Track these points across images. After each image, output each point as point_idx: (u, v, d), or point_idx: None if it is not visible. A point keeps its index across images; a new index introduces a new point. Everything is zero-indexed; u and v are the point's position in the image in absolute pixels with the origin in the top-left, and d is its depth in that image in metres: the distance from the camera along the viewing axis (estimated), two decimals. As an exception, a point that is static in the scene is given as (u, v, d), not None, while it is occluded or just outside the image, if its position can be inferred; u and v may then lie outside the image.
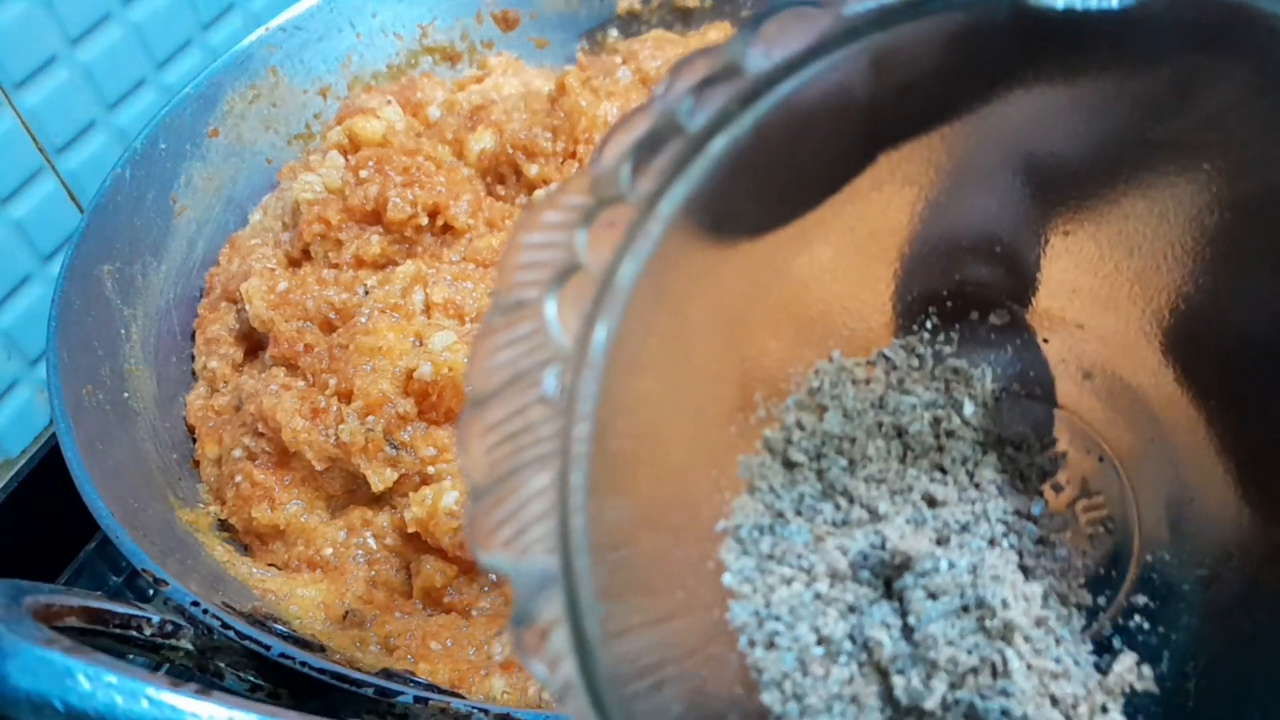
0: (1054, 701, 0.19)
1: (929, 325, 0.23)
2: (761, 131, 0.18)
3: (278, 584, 0.40)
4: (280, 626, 0.37)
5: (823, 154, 0.19)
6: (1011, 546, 0.21)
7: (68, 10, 0.52)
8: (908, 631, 0.19)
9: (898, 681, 0.19)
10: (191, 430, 0.48)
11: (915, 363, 0.23)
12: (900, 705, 0.19)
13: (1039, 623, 0.20)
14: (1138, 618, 0.21)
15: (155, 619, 0.35)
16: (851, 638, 0.20)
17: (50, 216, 0.53)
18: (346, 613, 0.40)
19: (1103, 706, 0.20)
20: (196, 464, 0.47)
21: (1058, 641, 0.20)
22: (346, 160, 0.53)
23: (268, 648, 0.34)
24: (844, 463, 0.21)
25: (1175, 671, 0.20)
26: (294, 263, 0.51)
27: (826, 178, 0.20)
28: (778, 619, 0.20)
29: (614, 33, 0.65)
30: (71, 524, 0.43)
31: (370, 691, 0.32)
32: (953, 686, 0.19)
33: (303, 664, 0.33)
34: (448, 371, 0.41)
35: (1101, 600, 0.21)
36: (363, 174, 0.50)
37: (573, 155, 0.51)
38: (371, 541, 0.42)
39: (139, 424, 0.45)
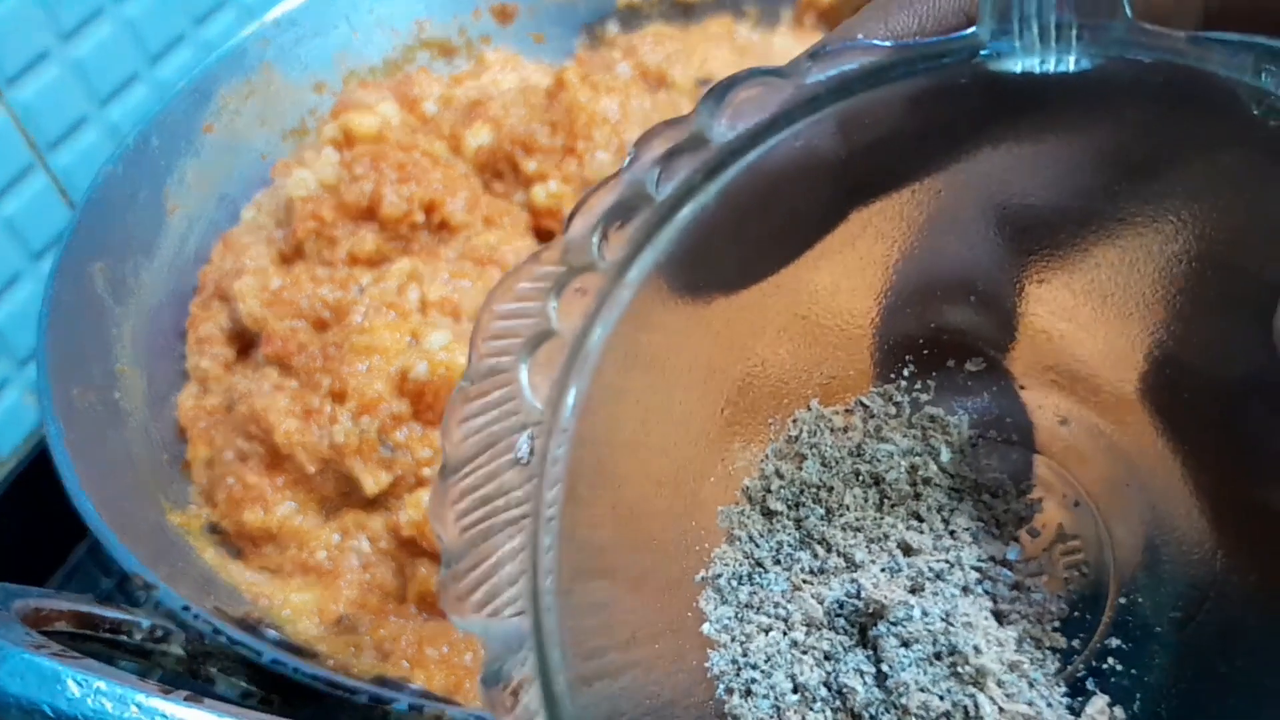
0: None
1: (906, 373, 0.23)
2: (728, 199, 0.19)
3: (270, 588, 0.40)
4: (272, 632, 0.37)
5: (793, 215, 0.20)
6: (986, 592, 0.21)
7: (59, 5, 0.51)
8: (881, 678, 0.20)
9: None
10: (183, 431, 0.47)
11: (893, 410, 0.23)
12: None
13: (1012, 667, 0.20)
14: (1111, 660, 0.21)
15: (145, 624, 0.35)
16: (826, 685, 0.20)
17: (41, 214, 0.53)
18: (340, 618, 0.40)
19: None
20: (188, 466, 0.46)
21: (1031, 685, 0.20)
22: (341, 156, 0.53)
23: (259, 653, 0.33)
24: (821, 511, 0.22)
25: (1148, 712, 0.21)
26: (287, 260, 0.51)
27: (798, 237, 0.21)
28: (755, 667, 0.20)
29: (613, 27, 0.65)
30: (61, 526, 0.42)
31: (364, 698, 0.32)
32: None
33: (295, 670, 0.33)
34: (444, 371, 0.41)
35: (1076, 643, 0.22)
36: (358, 170, 0.49)
37: (571, 151, 0.51)
38: (365, 545, 0.42)
39: (130, 425, 0.45)
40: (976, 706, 0.19)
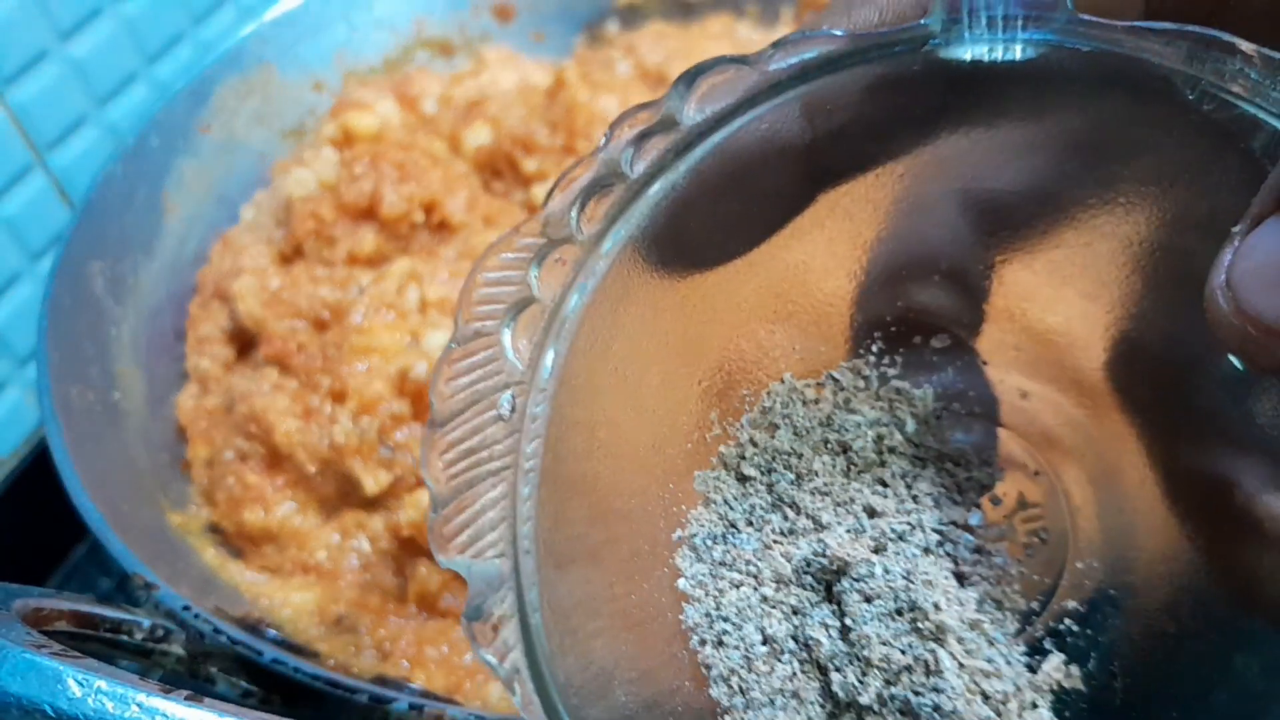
0: (985, 698, 0.20)
1: (875, 349, 0.24)
2: (698, 177, 0.20)
3: (270, 588, 0.40)
4: (272, 631, 0.37)
5: (762, 196, 0.22)
6: (948, 554, 0.23)
7: (58, 5, 0.51)
8: (845, 632, 0.21)
9: (835, 678, 0.20)
10: (182, 431, 0.47)
11: (861, 384, 0.24)
12: (838, 700, 0.20)
13: (972, 625, 0.21)
14: (1069, 621, 0.23)
15: (146, 623, 0.35)
16: (794, 638, 0.21)
17: (40, 214, 0.52)
18: (340, 618, 0.40)
19: (1032, 703, 0.21)
20: (188, 465, 0.46)
21: (990, 643, 0.21)
22: (340, 156, 0.53)
23: (260, 653, 0.33)
24: (792, 476, 0.23)
25: (1102, 670, 0.22)
26: (287, 260, 0.51)
27: (767, 218, 0.22)
28: (726, 620, 0.21)
29: (613, 25, 0.64)
30: (61, 526, 0.42)
31: (364, 698, 0.32)
32: (887, 683, 0.20)
33: (295, 670, 0.33)
34: (443, 371, 0.41)
35: (1035, 605, 0.23)
36: (357, 169, 0.49)
37: (571, 150, 0.51)
38: (365, 545, 0.42)
39: (129, 425, 0.45)
40: (937, 660, 0.20)
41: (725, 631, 0.21)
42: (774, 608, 0.22)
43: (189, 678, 0.35)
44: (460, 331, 0.20)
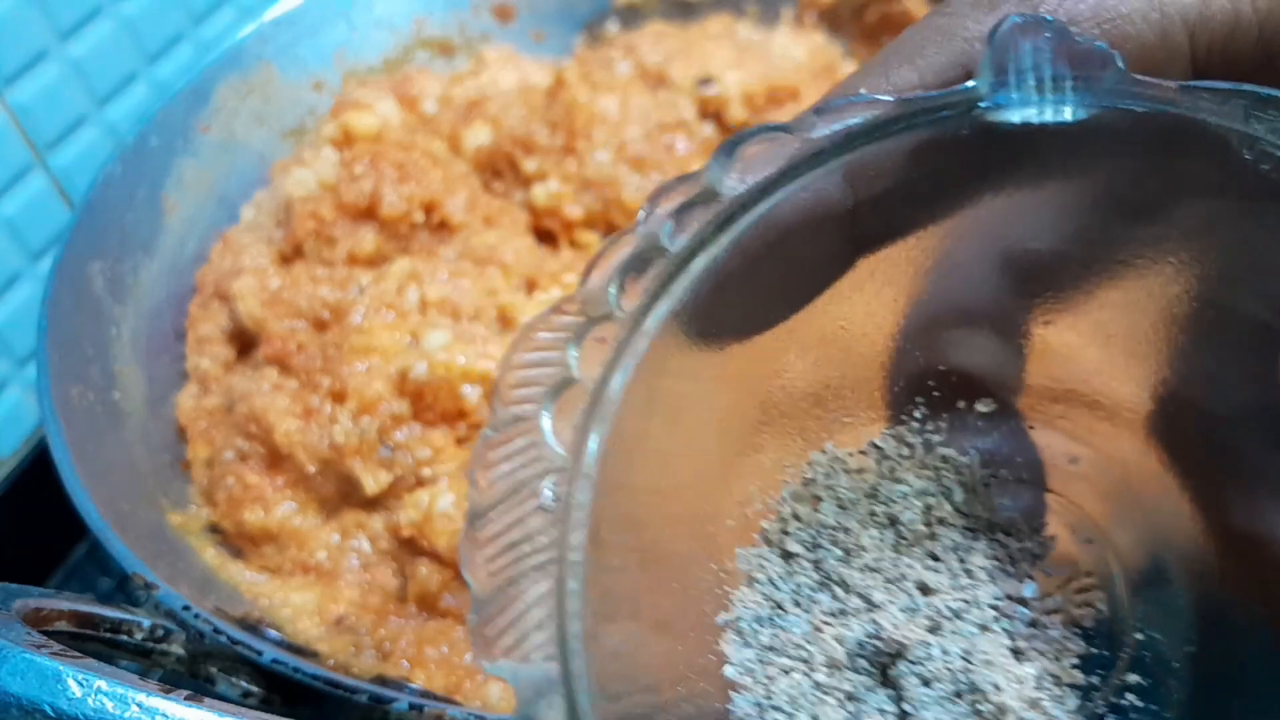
0: None
1: (917, 414, 0.24)
2: (740, 249, 0.20)
3: (270, 588, 0.40)
4: (273, 632, 0.37)
5: (802, 263, 0.21)
6: (1004, 630, 0.22)
7: (57, 4, 0.51)
8: (903, 718, 0.20)
9: None
10: (182, 431, 0.47)
11: (906, 451, 0.24)
12: None
13: (1032, 704, 0.20)
14: (1130, 696, 0.22)
15: (146, 623, 0.35)
16: None
17: (40, 213, 0.52)
18: (340, 618, 0.39)
19: None
20: (187, 466, 0.46)
21: None
22: (340, 155, 0.53)
23: (260, 653, 0.33)
24: (839, 553, 0.22)
25: None
26: (286, 260, 0.51)
27: (807, 284, 0.22)
28: (778, 709, 0.20)
29: (613, 25, 0.64)
30: (61, 526, 0.42)
31: (364, 698, 0.32)
32: None
33: (295, 670, 0.33)
34: (443, 371, 0.41)
35: (1095, 680, 0.22)
36: (357, 169, 0.49)
37: (571, 150, 0.51)
38: (365, 545, 0.42)
39: (129, 425, 0.45)
40: None
41: None
42: (828, 694, 0.20)
43: (189, 677, 0.35)
44: (497, 417, 0.19)
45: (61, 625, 0.33)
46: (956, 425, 0.23)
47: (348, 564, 0.41)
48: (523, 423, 0.19)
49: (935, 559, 0.22)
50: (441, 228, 0.49)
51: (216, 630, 0.34)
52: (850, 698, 0.20)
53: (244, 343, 0.49)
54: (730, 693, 0.21)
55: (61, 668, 0.27)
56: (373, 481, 0.41)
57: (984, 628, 0.21)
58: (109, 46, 0.55)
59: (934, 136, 0.19)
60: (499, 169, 0.53)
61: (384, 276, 0.46)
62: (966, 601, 0.22)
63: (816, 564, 0.22)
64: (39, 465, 0.50)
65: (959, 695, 0.20)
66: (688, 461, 0.22)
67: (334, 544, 0.42)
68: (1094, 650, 0.22)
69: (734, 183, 0.19)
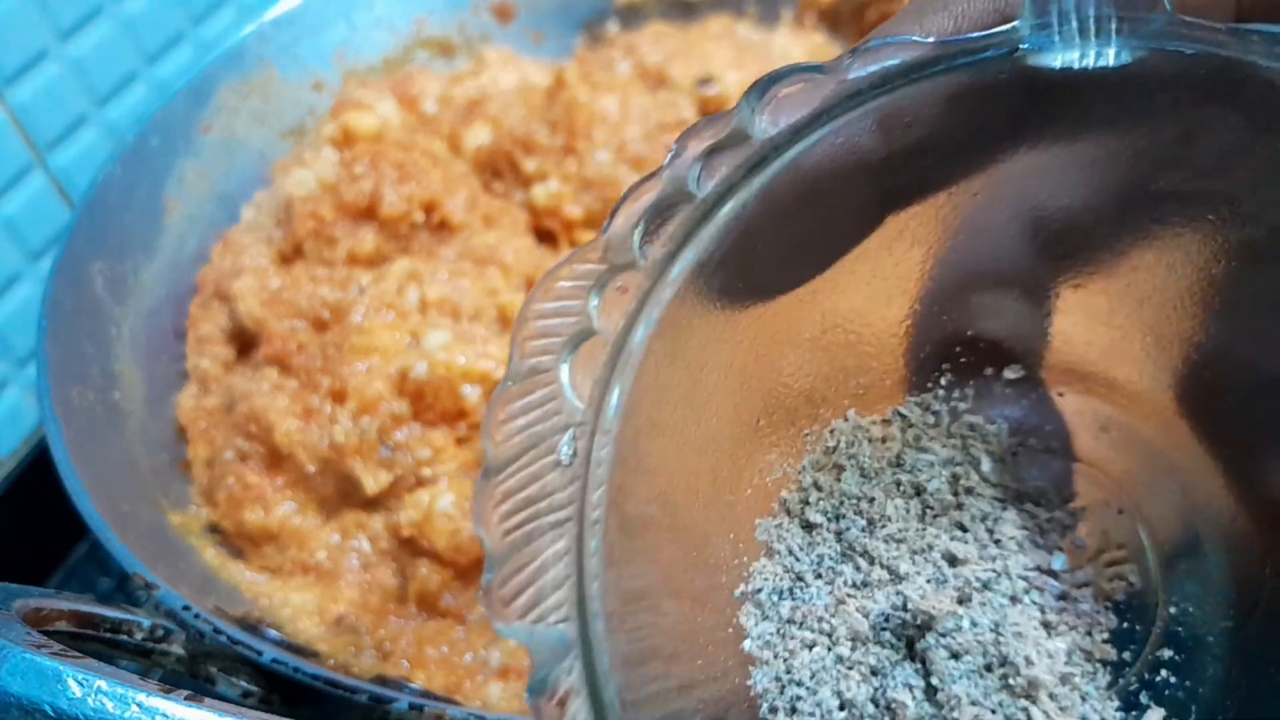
0: None
1: (943, 382, 0.23)
2: (769, 196, 0.18)
3: (270, 588, 0.40)
4: (273, 632, 0.37)
5: (832, 217, 0.20)
6: (1034, 603, 0.21)
7: (57, 4, 0.51)
8: (931, 692, 0.19)
9: None
10: (182, 431, 0.47)
11: (931, 419, 0.23)
12: None
13: (1064, 679, 0.20)
14: (1164, 672, 0.21)
15: (146, 623, 0.35)
16: (874, 701, 0.19)
17: (40, 214, 0.52)
18: (340, 618, 0.39)
19: None
20: (188, 465, 0.46)
21: (1083, 698, 0.20)
22: (341, 156, 0.53)
23: (260, 653, 0.33)
24: (863, 523, 0.22)
25: None
26: (287, 260, 0.51)
27: (836, 241, 0.21)
28: (799, 684, 0.20)
29: (613, 25, 0.64)
30: (61, 526, 0.42)
31: (364, 698, 0.32)
32: None
33: (295, 670, 0.33)
34: (443, 371, 0.41)
35: (1127, 655, 0.21)
36: (357, 169, 0.49)
37: (571, 150, 0.51)
38: (365, 545, 0.42)
39: (129, 425, 0.45)
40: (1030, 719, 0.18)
41: (798, 697, 0.19)
42: (851, 669, 0.20)
43: (189, 677, 0.35)
44: (514, 368, 0.18)
45: (61, 625, 0.32)
46: (983, 393, 0.23)
47: (348, 564, 0.41)
48: (540, 375, 0.18)
49: (963, 529, 0.22)
50: (441, 228, 0.49)
51: (216, 630, 0.34)
52: (875, 672, 0.20)
53: (244, 343, 0.49)
54: (749, 667, 0.20)
55: (62, 668, 0.27)
56: (373, 481, 0.41)
57: (1014, 599, 0.21)
58: (109, 46, 0.55)
59: (972, 82, 0.18)
60: (499, 169, 0.53)
61: (384, 276, 0.46)
62: (996, 573, 0.21)
63: (839, 535, 0.21)
64: (39, 465, 0.50)
65: (989, 669, 0.19)
66: (708, 425, 0.21)
67: (334, 544, 0.42)
68: (1126, 625, 0.21)
69: (765, 125, 0.18)
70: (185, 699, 0.28)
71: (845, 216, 0.20)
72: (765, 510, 0.22)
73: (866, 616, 0.20)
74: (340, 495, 0.43)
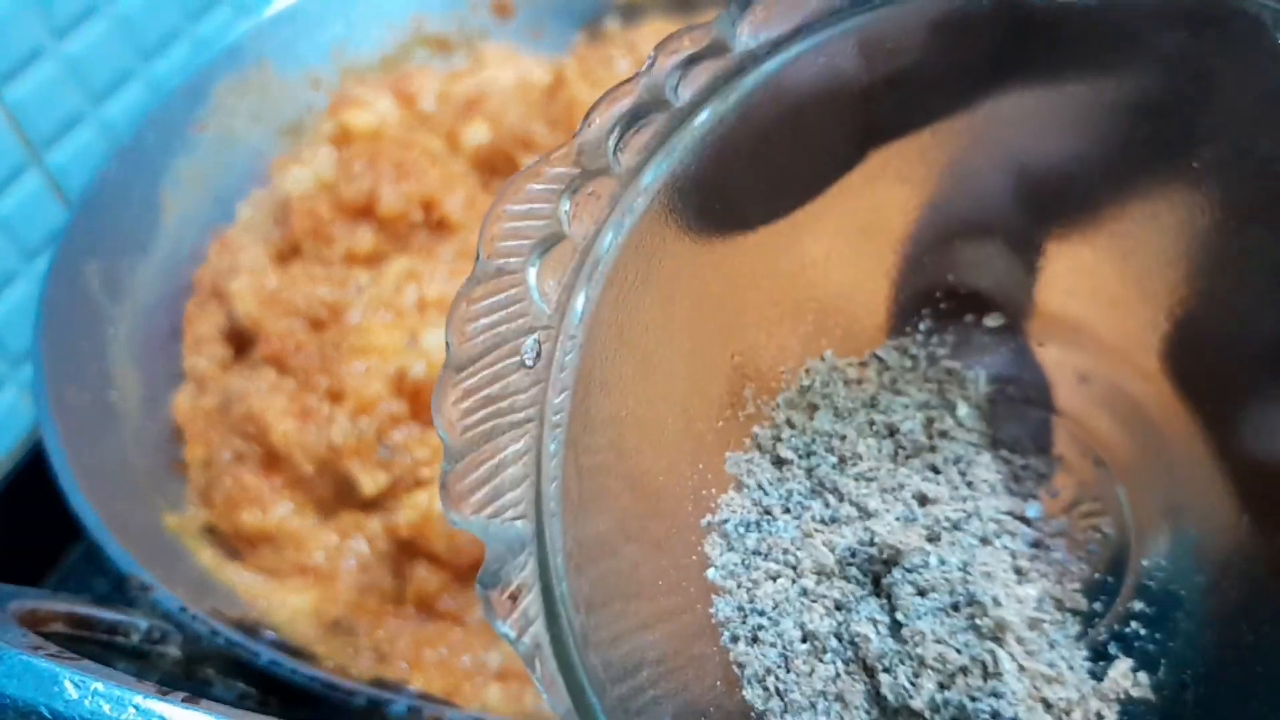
0: (1046, 706, 0.19)
1: (922, 327, 0.23)
2: (748, 112, 0.18)
3: (267, 590, 0.40)
4: (270, 633, 0.37)
5: (813, 146, 0.20)
6: (1005, 547, 0.21)
7: (54, 2, 0.51)
8: (896, 628, 0.19)
9: (885, 679, 0.19)
10: (179, 431, 0.47)
11: (908, 363, 0.23)
12: (887, 704, 0.19)
13: (1032, 625, 0.19)
14: (1135, 624, 0.21)
15: (143, 625, 0.35)
16: (838, 635, 0.19)
17: (36, 212, 0.52)
18: (337, 620, 0.39)
19: (1098, 713, 0.19)
20: (184, 466, 0.46)
21: (1051, 645, 0.20)
22: (338, 154, 0.53)
23: (257, 655, 0.33)
24: (834, 460, 0.22)
25: (1173, 680, 0.20)
26: (284, 259, 0.51)
27: (817, 172, 0.20)
28: (762, 614, 0.20)
29: (613, 22, 0.64)
30: (57, 527, 0.42)
31: (362, 700, 0.32)
32: (941, 686, 0.18)
33: (293, 672, 0.33)
34: (442, 370, 0.41)
35: (1098, 606, 0.21)
36: (355, 168, 0.49)
37: (569, 148, 0.51)
38: (363, 547, 0.42)
39: (126, 425, 0.45)
40: (996, 662, 0.18)
41: (760, 627, 0.20)
42: (815, 601, 0.20)
43: (186, 679, 0.35)
44: (481, 268, 0.18)
45: (58, 627, 0.32)
46: (963, 340, 0.23)
47: (345, 565, 0.41)
48: (507, 276, 0.18)
49: (935, 470, 0.22)
50: (440, 226, 0.49)
51: (213, 632, 0.34)
52: (839, 606, 0.20)
53: (241, 342, 0.49)
54: (712, 596, 0.20)
55: (58, 669, 0.27)
56: (371, 482, 0.41)
57: (985, 541, 0.20)
58: (105, 44, 0.54)
59: (954, 9, 0.18)
60: (498, 167, 0.53)
61: (382, 276, 0.46)
62: (967, 513, 0.21)
63: (809, 471, 0.21)
64: (35, 466, 0.50)
65: (956, 608, 0.19)
66: (679, 352, 0.21)
67: (331, 545, 0.42)
68: (1098, 576, 0.21)
69: (746, 37, 0.18)
70: (182, 701, 0.27)
71: (826, 146, 0.20)
72: (737, 444, 0.22)
73: (833, 550, 0.20)
74: (338, 496, 0.43)
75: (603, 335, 0.18)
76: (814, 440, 0.22)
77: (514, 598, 0.17)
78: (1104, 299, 0.22)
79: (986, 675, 0.18)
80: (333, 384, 0.43)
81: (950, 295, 0.22)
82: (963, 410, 0.22)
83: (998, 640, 0.19)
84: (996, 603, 0.19)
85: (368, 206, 0.49)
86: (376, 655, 0.38)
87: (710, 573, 0.20)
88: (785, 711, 0.19)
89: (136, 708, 0.27)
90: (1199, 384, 0.21)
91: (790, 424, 0.22)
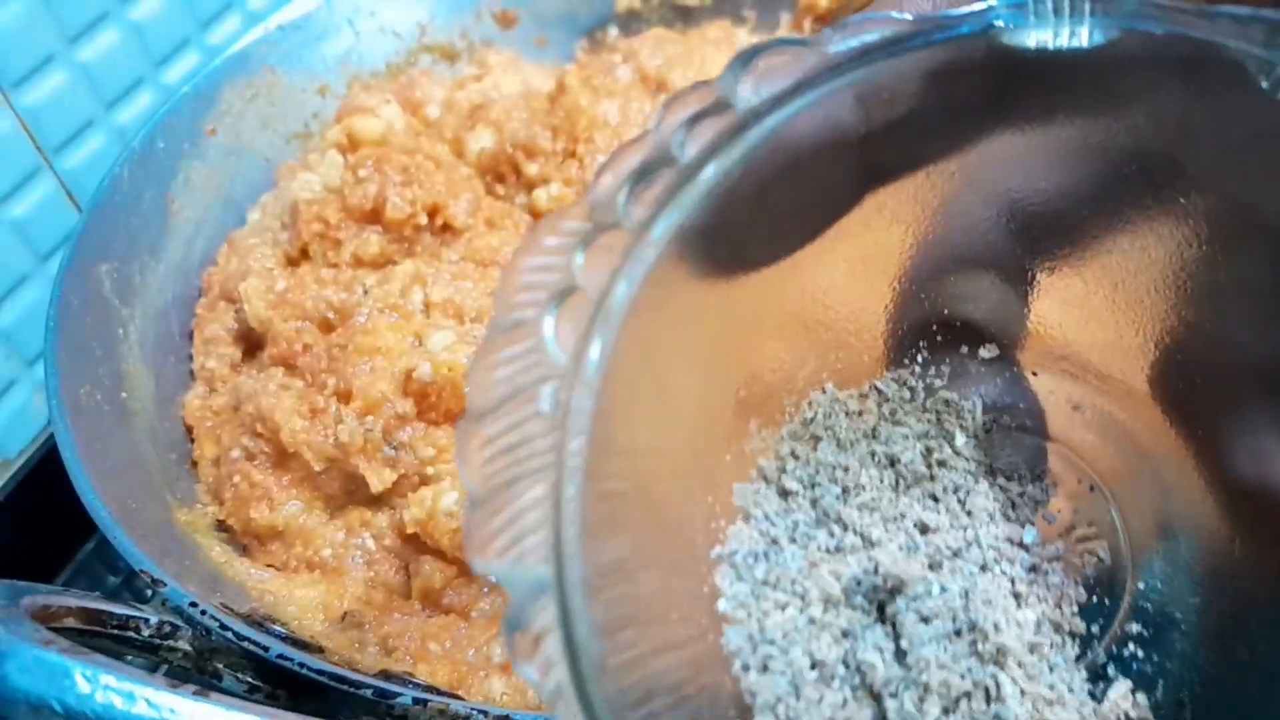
0: None
1: (920, 359, 0.23)
2: (751, 165, 0.19)
3: (276, 585, 0.40)
4: (278, 628, 0.37)
5: (812, 191, 0.20)
6: (1004, 573, 0.21)
7: (66, 9, 0.52)
8: (900, 655, 0.20)
9: (891, 705, 0.19)
10: (189, 430, 0.47)
11: (907, 395, 0.23)
12: None
13: (1032, 649, 0.20)
14: (1132, 646, 0.21)
15: (153, 620, 0.35)
16: (845, 662, 0.20)
17: (48, 216, 0.53)
18: (345, 614, 0.40)
19: None
20: (194, 464, 0.46)
21: (1051, 668, 0.20)
22: (345, 159, 0.53)
23: (266, 649, 0.34)
24: (837, 490, 0.22)
25: (1171, 700, 0.21)
26: (292, 262, 0.51)
27: (817, 215, 0.21)
28: (772, 643, 0.20)
29: (614, 31, 0.65)
30: (69, 524, 0.43)
31: (369, 693, 0.32)
32: (946, 711, 0.19)
33: (301, 665, 0.33)
34: (447, 371, 0.41)
35: (1095, 628, 0.22)
36: (361, 173, 0.50)
37: (572, 154, 0.51)
38: (370, 543, 0.42)
39: (137, 424, 0.45)
40: (998, 686, 0.19)
41: (770, 656, 0.20)
42: (823, 630, 0.20)
43: (196, 673, 0.35)
44: (500, 320, 0.18)
45: (69, 622, 0.33)
46: (959, 371, 0.23)
47: (353, 561, 0.41)
48: (524, 327, 0.18)
49: (935, 499, 0.22)
50: (445, 230, 0.50)
51: (223, 626, 0.34)
52: (846, 634, 0.20)
53: (250, 343, 0.50)
54: (724, 626, 0.20)
55: (70, 664, 0.28)
56: (378, 480, 0.41)
57: (984, 568, 0.21)
58: (117, 52, 0.55)
59: (948, 59, 0.19)
60: (502, 172, 0.53)
61: (388, 278, 0.46)
62: (967, 542, 0.21)
63: (814, 501, 0.22)
64: (48, 464, 0.51)
65: (958, 634, 0.19)
66: (688, 390, 0.21)
67: (339, 541, 0.42)
68: (1095, 599, 0.22)
69: (748, 94, 0.19)
70: (192, 694, 0.28)
71: (825, 191, 0.21)
72: (743, 475, 0.22)
73: (839, 580, 0.20)
74: (345, 493, 0.43)
75: (617, 379, 0.19)
76: (818, 471, 0.22)
77: (537, 640, 0.17)
78: (1095, 329, 0.22)
79: (989, 699, 0.19)
80: (340, 384, 0.43)
81: (946, 327, 0.23)
82: (960, 440, 0.23)
83: (999, 665, 0.19)
84: (997, 628, 0.19)
85: (374, 211, 0.49)
86: (383, 648, 0.38)
87: (721, 604, 0.21)
88: None
89: (147, 701, 0.27)
90: (1188, 409, 0.22)
91: (794, 455, 0.22)
